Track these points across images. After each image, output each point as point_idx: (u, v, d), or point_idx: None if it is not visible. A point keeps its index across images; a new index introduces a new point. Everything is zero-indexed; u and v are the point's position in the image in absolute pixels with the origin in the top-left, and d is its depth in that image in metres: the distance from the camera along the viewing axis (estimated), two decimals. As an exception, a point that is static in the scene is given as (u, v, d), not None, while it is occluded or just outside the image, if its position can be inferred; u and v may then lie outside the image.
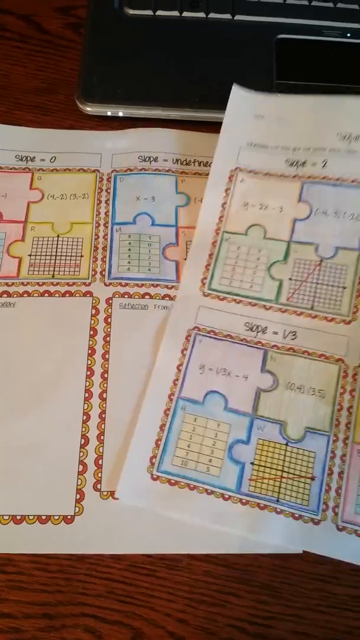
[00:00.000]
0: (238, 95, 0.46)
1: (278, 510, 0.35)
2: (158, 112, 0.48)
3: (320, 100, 0.45)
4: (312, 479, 0.36)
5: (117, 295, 0.41)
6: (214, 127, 0.46)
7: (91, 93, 0.48)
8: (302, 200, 0.43)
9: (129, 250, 0.43)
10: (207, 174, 0.44)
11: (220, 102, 0.45)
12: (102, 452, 0.36)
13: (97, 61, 0.49)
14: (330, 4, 0.52)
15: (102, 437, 0.37)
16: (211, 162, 0.44)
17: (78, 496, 0.35)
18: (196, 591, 0.32)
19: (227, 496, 0.35)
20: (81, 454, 0.36)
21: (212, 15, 0.51)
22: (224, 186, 0.44)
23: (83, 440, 0.37)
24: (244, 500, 0.35)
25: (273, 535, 0.34)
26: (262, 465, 0.36)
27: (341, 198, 0.42)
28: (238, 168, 0.44)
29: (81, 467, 0.36)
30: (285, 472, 0.36)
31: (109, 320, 0.40)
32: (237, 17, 0.51)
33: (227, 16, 0.51)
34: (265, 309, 0.40)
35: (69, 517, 0.35)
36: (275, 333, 0.40)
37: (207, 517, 0.35)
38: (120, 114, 0.48)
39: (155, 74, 0.49)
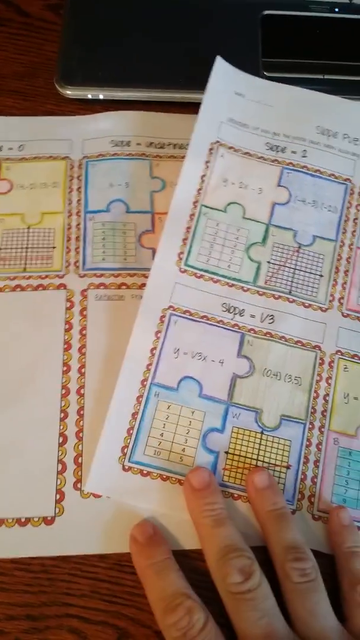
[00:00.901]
0: (221, 68, 0.43)
1: (253, 500, 0.33)
2: (140, 94, 0.44)
3: (302, 93, 0.44)
4: (288, 467, 0.34)
5: (92, 287, 0.38)
6: (191, 108, 0.43)
7: (71, 76, 0.44)
8: (282, 185, 0.41)
9: (104, 239, 0.40)
10: (183, 157, 0.41)
11: (205, 83, 0.42)
12: (82, 450, 0.34)
13: (77, 43, 0.46)
14: None
15: (81, 435, 0.34)
16: (187, 145, 0.41)
17: (58, 496, 0.33)
18: (205, 583, 0.30)
19: (201, 486, 0.33)
20: (60, 452, 0.34)
21: None
22: (204, 158, 0.41)
23: (61, 439, 0.34)
24: (218, 490, 0.33)
25: (248, 526, 0.33)
26: (236, 455, 0.34)
27: (319, 189, 0.41)
28: (219, 142, 0.42)
29: (60, 467, 0.33)
30: (260, 461, 0.34)
31: (84, 313, 0.37)
32: None
33: None
34: (243, 290, 0.38)
35: (49, 518, 0.32)
36: (253, 316, 0.38)
37: (178, 508, 0.33)
38: (101, 97, 0.44)
39: (137, 54, 0.45)
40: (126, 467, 0.33)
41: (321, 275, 0.39)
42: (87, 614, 0.31)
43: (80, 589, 0.32)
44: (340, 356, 0.37)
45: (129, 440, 0.34)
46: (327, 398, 0.36)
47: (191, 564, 0.32)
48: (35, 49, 0.47)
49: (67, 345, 0.36)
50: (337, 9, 0.48)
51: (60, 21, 0.47)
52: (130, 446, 0.34)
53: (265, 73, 0.45)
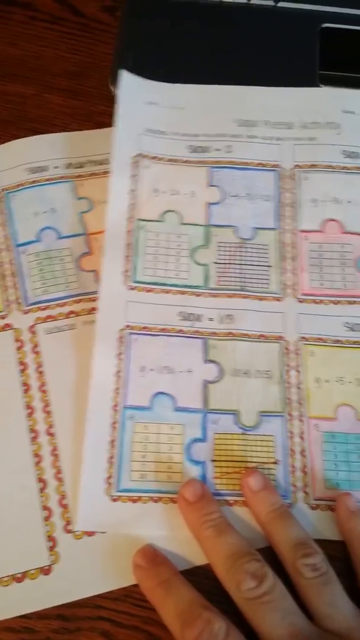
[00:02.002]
0: (128, 81, 0.42)
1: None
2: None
3: (213, 89, 0.43)
4: (276, 463, 0.33)
5: (39, 321, 0.36)
6: (103, 124, 0.42)
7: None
8: (212, 185, 0.40)
9: (41, 270, 0.38)
10: (105, 173, 0.40)
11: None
12: (65, 491, 0.32)
13: (133, 45, 0.44)
14: None
15: (60, 476, 0.32)
16: (107, 160, 0.40)
17: (50, 543, 0.31)
18: (215, 598, 0.29)
19: (194, 501, 0.32)
20: (42, 498, 0.32)
21: (254, 1, 0.46)
22: (129, 172, 0.40)
23: (41, 484, 0.32)
24: (212, 501, 0.32)
25: (247, 529, 0.31)
26: (223, 461, 0.33)
27: (250, 181, 0.40)
28: (140, 154, 0.40)
29: (46, 513, 0.31)
30: (247, 462, 0.33)
31: (37, 349, 0.35)
32: (281, 4, 0.46)
33: (270, 3, 0.46)
34: (196, 295, 0.37)
35: (45, 567, 0.30)
36: (211, 319, 0.36)
37: (176, 528, 0.31)
38: (154, 101, 0.43)
39: (193, 60, 0.44)
40: (114, 497, 0.32)
41: (270, 266, 0.38)
42: (118, 618, 0.30)
43: (113, 592, 0.30)
44: (305, 342, 0.36)
45: (112, 470, 0.32)
46: (300, 386, 0.35)
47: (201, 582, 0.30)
48: (88, 49, 0.46)
49: (26, 387, 0.34)
50: None
51: (115, 23, 0.46)
52: (115, 475, 0.32)
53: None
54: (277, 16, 0.46)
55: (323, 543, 0.30)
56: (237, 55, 0.44)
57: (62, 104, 0.44)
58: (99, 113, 0.42)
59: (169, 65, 0.44)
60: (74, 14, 0.48)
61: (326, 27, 0.46)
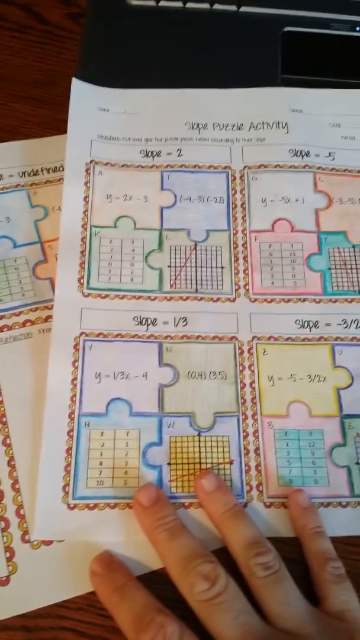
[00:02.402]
0: (79, 88, 0.42)
1: (204, 504, 0.32)
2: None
3: (164, 93, 0.43)
4: (231, 463, 0.33)
5: None
6: (60, 131, 0.41)
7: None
8: (165, 189, 0.40)
9: None
10: (60, 180, 0.40)
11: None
12: (22, 501, 0.32)
13: (96, 52, 0.44)
14: None
15: (17, 486, 0.32)
16: (61, 166, 0.40)
17: (8, 554, 0.30)
18: (179, 605, 0.29)
19: (150, 504, 0.32)
20: None
21: (216, 6, 0.46)
22: (83, 179, 0.39)
23: None
24: (168, 504, 0.32)
25: (204, 531, 0.31)
26: (179, 463, 0.33)
27: (202, 183, 0.40)
28: (93, 161, 0.40)
29: (3, 524, 0.31)
30: (203, 463, 0.33)
31: None
32: (243, 9, 0.46)
33: (233, 7, 0.46)
34: (151, 299, 0.37)
35: (3, 578, 0.30)
36: (166, 323, 0.37)
37: (133, 533, 0.31)
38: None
39: (156, 66, 0.44)
40: (71, 505, 0.32)
41: (222, 267, 0.38)
42: (82, 628, 0.30)
43: (76, 602, 0.30)
44: (258, 341, 0.36)
45: (68, 478, 0.32)
46: (253, 385, 0.35)
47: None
48: (54, 57, 0.46)
49: (-19, 399, 0.34)
50: (358, 28, 0.46)
51: (80, 30, 0.46)
52: (71, 483, 0.32)
53: (121, 89, 0.43)
54: (239, 21, 0.46)
55: (281, 544, 0.30)
56: (201, 60, 0.44)
57: (28, 112, 0.43)
58: (64, 121, 0.42)
59: (133, 72, 0.44)
60: (40, 22, 0.47)
61: (288, 31, 0.46)
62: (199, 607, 0.27)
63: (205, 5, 0.46)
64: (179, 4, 0.46)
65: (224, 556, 0.30)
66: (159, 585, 0.30)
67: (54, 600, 0.30)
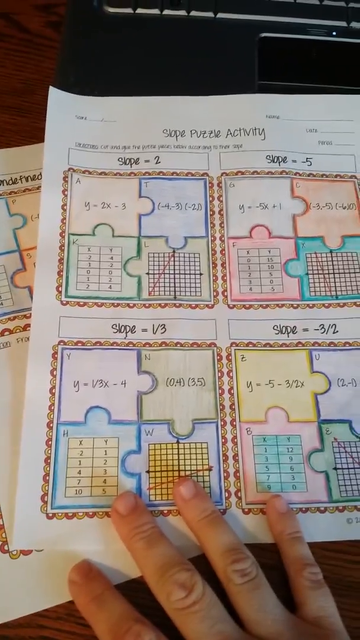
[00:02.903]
0: (56, 97, 0.42)
1: (183, 511, 0.32)
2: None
3: (141, 101, 0.43)
4: (210, 469, 0.33)
5: None
6: (40, 140, 0.41)
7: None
8: (143, 196, 0.40)
9: None
10: (39, 188, 0.39)
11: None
12: (0, 511, 0.31)
13: (74, 60, 0.44)
14: (316, 1, 0.47)
15: None
16: (40, 175, 0.40)
17: None
18: (159, 614, 0.29)
19: (129, 513, 0.32)
20: None
21: (193, 13, 0.46)
22: (60, 187, 0.39)
23: None
24: (147, 512, 0.32)
25: (183, 538, 0.31)
26: (157, 471, 0.33)
27: (179, 191, 0.40)
28: (71, 169, 0.40)
29: None
30: (182, 470, 0.33)
31: None
32: (220, 15, 0.46)
33: (209, 14, 0.46)
34: (129, 307, 0.37)
35: None
36: (145, 330, 0.36)
37: (112, 541, 0.31)
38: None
39: (134, 74, 0.44)
40: (50, 515, 0.31)
41: (201, 274, 0.38)
42: (61, 637, 0.30)
43: (56, 611, 0.30)
44: (236, 347, 0.36)
45: (47, 487, 0.32)
46: (232, 391, 0.35)
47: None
48: (34, 65, 0.45)
49: None
50: (334, 33, 0.46)
51: (60, 38, 0.45)
52: (50, 492, 0.32)
53: (98, 97, 0.43)
54: (216, 27, 0.46)
55: (260, 551, 0.30)
56: (178, 67, 0.44)
57: (7, 121, 0.43)
58: (44, 129, 0.41)
59: (110, 79, 0.43)
60: (20, 31, 0.47)
61: (264, 37, 0.46)
62: (176, 616, 0.27)
63: (182, 12, 0.46)
64: (156, 12, 0.46)
65: (203, 563, 0.30)
66: (137, 594, 0.30)
67: (33, 609, 0.30)
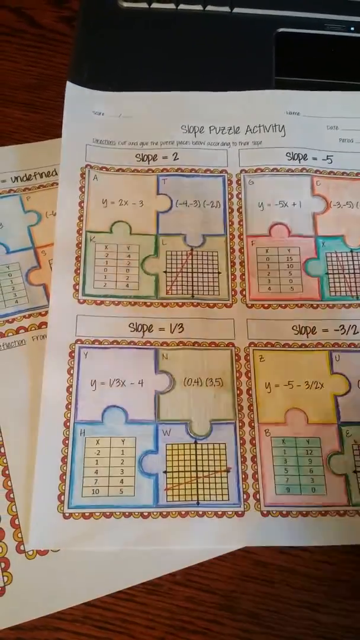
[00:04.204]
0: (73, 92, 0.41)
1: (200, 513, 0.32)
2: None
3: (159, 96, 0.42)
4: (228, 471, 0.33)
5: None
6: (53, 136, 0.41)
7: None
8: (161, 193, 0.39)
9: None
10: (53, 185, 0.39)
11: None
12: (16, 511, 0.31)
13: (88, 56, 0.43)
14: None
15: (11, 495, 0.31)
16: (54, 171, 0.39)
17: (3, 565, 0.30)
18: (177, 617, 0.29)
19: (146, 514, 0.31)
20: None
21: (209, 7, 0.45)
22: (78, 184, 0.39)
23: None
24: (164, 513, 0.31)
25: (200, 540, 0.31)
26: (175, 471, 0.32)
27: (198, 188, 0.39)
28: (88, 165, 0.39)
29: None
30: (199, 471, 0.33)
31: None
32: (236, 10, 0.45)
33: (226, 9, 0.45)
34: (147, 306, 0.36)
35: None
36: (162, 329, 0.36)
37: (129, 542, 0.31)
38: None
39: (149, 69, 0.43)
40: (67, 515, 0.31)
41: (219, 272, 0.38)
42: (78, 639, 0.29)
43: (72, 613, 0.30)
44: (254, 348, 0.36)
45: (63, 487, 0.32)
46: (250, 392, 0.34)
47: (186, 594, 0.30)
48: (46, 61, 0.45)
49: (-24, 406, 0.33)
50: (352, 28, 0.45)
51: (73, 33, 0.45)
52: (67, 492, 0.32)
53: (116, 92, 0.42)
54: (233, 22, 0.45)
55: (278, 554, 0.30)
56: (194, 62, 0.43)
57: (21, 117, 0.43)
58: (57, 125, 0.41)
59: (125, 74, 0.43)
60: (32, 26, 0.46)
61: (282, 32, 0.45)
62: None
63: (198, 7, 0.45)
64: (172, 6, 0.45)
65: (224, 566, 0.29)
66: (153, 596, 0.30)
67: (49, 611, 0.29)
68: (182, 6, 0.45)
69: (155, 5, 0.45)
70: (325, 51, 0.45)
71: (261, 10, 0.45)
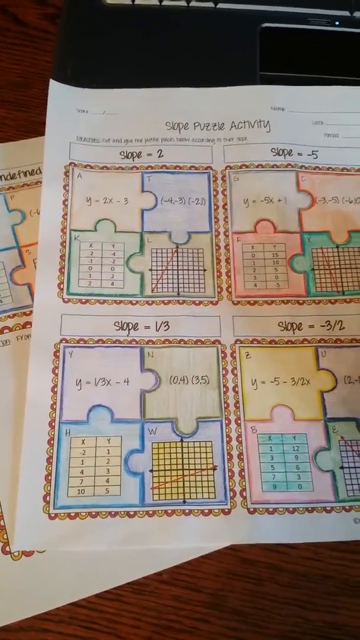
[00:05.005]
0: (57, 89, 0.41)
1: (187, 511, 0.31)
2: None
3: (143, 93, 0.41)
4: (214, 469, 0.32)
5: None
6: (37, 134, 0.40)
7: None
8: (146, 191, 0.39)
9: None
10: (37, 183, 0.39)
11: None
12: (1, 512, 0.31)
13: (72, 53, 0.42)
14: None
15: None
16: (38, 169, 0.39)
17: None
18: (163, 617, 0.28)
19: (132, 513, 0.31)
20: None
21: (193, 3, 0.44)
22: (62, 182, 0.38)
23: None
24: (150, 512, 0.31)
25: (187, 539, 0.31)
26: (161, 470, 0.32)
27: (183, 185, 0.39)
28: (72, 163, 0.39)
29: None
30: (186, 469, 0.32)
31: None
32: (220, 6, 0.44)
33: (210, 4, 0.44)
34: (132, 304, 0.36)
35: None
36: (147, 327, 0.35)
37: (115, 542, 0.30)
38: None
39: (133, 66, 0.42)
40: (52, 515, 0.31)
41: (204, 270, 0.37)
42: None
43: (58, 614, 0.29)
44: (240, 344, 0.35)
45: (49, 487, 0.31)
46: (236, 389, 0.34)
47: (173, 592, 0.29)
48: (30, 58, 0.44)
49: None
50: (337, 22, 0.44)
51: (56, 31, 0.44)
52: (52, 492, 0.31)
53: (100, 89, 0.42)
54: (217, 18, 0.44)
55: (266, 551, 0.30)
56: (178, 58, 0.43)
57: (5, 115, 0.42)
58: (42, 123, 0.40)
59: (109, 71, 0.42)
60: (16, 23, 0.46)
61: (266, 27, 0.44)
62: None
63: (182, 3, 0.45)
64: (155, 2, 0.44)
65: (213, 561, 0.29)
66: (140, 595, 0.29)
67: (35, 612, 0.29)
68: (165, 2, 0.44)
69: (138, 1, 0.44)
70: (310, 46, 0.44)
71: (245, 6, 0.45)
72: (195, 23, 0.44)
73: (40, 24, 0.46)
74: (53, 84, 0.41)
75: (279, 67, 0.43)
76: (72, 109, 0.41)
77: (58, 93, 0.41)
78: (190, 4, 0.44)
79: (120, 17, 0.44)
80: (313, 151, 0.41)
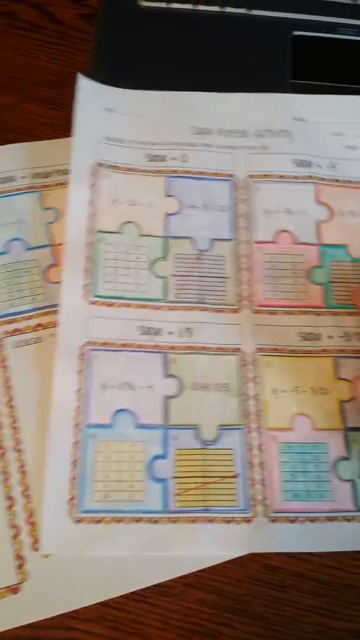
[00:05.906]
0: (86, 87, 0.40)
1: (209, 519, 0.31)
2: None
3: (168, 96, 0.41)
4: (236, 476, 0.32)
5: (6, 335, 0.34)
6: (70, 133, 0.39)
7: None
8: (170, 195, 0.38)
9: (8, 283, 0.36)
10: (71, 182, 0.37)
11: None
12: (32, 508, 0.30)
13: (108, 54, 0.42)
14: (350, 0, 0.45)
15: (28, 493, 0.30)
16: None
17: (18, 562, 0.29)
18: (188, 620, 0.28)
19: (155, 519, 0.31)
20: (10, 516, 0.30)
21: (227, 9, 0.44)
22: (88, 182, 0.37)
23: (8, 502, 0.30)
24: (173, 519, 0.31)
25: (209, 546, 0.30)
26: (184, 477, 0.32)
27: (206, 191, 0.39)
28: (99, 163, 0.38)
29: (14, 531, 0.30)
30: (208, 477, 0.32)
31: (5, 363, 0.33)
32: (253, 12, 0.44)
33: (243, 10, 0.44)
34: (155, 309, 0.35)
35: (13, 586, 0.29)
36: (171, 333, 0.35)
37: (139, 547, 0.30)
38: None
39: (167, 68, 0.42)
40: (77, 519, 0.30)
41: (226, 277, 0.37)
42: (91, 639, 0.29)
43: (86, 613, 0.29)
44: (262, 353, 0.35)
45: (74, 491, 0.31)
46: (257, 398, 0.34)
47: (198, 596, 0.29)
48: (67, 58, 0.44)
49: (-6, 402, 0.32)
50: None
51: (92, 31, 0.44)
52: (78, 496, 0.31)
53: (127, 90, 0.41)
54: (250, 23, 0.44)
55: (288, 559, 0.30)
56: (210, 63, 0.43)
57: (40, 114, 0.41)
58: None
59: (142, 73, 0.42)
60: (52, 22, 0.45)
61: (298, 35, 0.44)
62: None
63: (216, 8, 0.44)
64: (190, 6, 0.44)
65: (232, 569, 0.29)
66: (164, 598, 0.29)
67: (63, 610, 0.29)
68: (200, 6, 0.44)
69: (173, 5, 0.44)
70: (341, 55, 0.44)
71: (278, 13, 0.44)
72: (228, 28, 0.44)
73: (76, 24, 0.45)
74: (82, 81, 0.40)
75: (310, 76, 0.43)
76: (101, 108, 0.40)
77: (87, 90, 0.40)
78: (224, 9, 0.44)
79: (155, 19, 0.43)
80: (332, 164, 0.41)
